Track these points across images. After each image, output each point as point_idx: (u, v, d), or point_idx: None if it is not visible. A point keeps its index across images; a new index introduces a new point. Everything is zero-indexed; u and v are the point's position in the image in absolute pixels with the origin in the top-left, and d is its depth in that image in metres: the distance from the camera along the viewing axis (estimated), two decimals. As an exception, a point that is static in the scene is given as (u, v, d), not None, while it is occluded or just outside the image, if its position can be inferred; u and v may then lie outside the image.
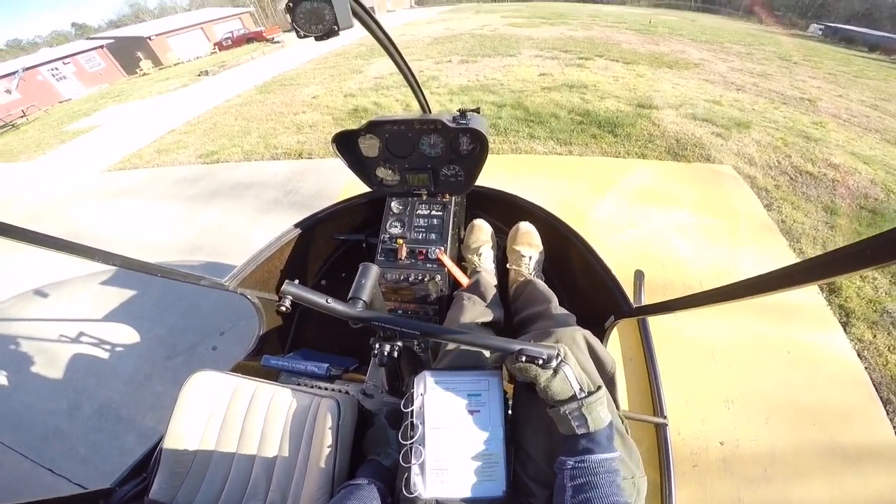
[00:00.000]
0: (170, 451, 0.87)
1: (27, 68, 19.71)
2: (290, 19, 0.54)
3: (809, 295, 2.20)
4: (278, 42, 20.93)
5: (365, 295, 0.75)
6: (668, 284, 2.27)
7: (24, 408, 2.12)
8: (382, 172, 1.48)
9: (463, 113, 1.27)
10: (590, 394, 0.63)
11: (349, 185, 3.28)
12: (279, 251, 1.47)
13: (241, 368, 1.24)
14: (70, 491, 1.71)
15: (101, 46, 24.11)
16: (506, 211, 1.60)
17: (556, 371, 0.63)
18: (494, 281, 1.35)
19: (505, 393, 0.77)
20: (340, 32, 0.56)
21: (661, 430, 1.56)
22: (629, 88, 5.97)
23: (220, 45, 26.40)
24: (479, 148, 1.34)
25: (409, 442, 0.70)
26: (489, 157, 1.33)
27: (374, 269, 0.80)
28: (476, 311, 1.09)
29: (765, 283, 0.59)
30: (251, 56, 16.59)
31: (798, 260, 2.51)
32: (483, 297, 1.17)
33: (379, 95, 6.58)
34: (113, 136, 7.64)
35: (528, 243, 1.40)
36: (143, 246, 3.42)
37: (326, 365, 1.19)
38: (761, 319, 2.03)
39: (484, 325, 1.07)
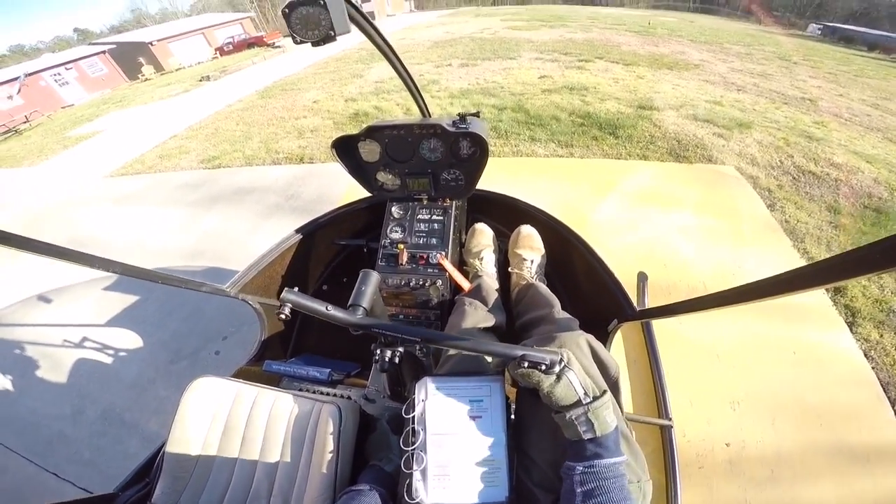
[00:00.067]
0: (172, 456, 0.87)
1: (30, 74, 19.86)
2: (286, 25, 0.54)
3: (814, 294, 2.18)
4: (279, 47, 21.07)
5: (365, 302, 0.75)
6: (672, 286, 2.26)
7: (29, 412, 2.12)
8: (383, 177, 1.48)
9: (463, 117, 1.27)
10: (595, 399, 0.63)
11: (350, 190, 3.29)
12: (280, 256, 1.46)
13: (244, 374, 1.24)
14: (74, 495, 1.71)
15: (104, 52, 24.29)
16: (507, 214, 1.59)
17: (559, 376, 0.63)
18: (496, 285, 1.34)
19: (507, 398, 0.76)
20: (337, 38, 0.55)
21: (666, 432, 1.55)
22: (630, 90, 5.98)
23: (221, 50, 26.57)
24: (479, 152, 1.34)
25: (410, 448, 0.70)
26: (490, 160, 1.33)
27: (375, 276, 0.79)
28: (478, 316, 1.09)
29: (771, 287, 0.58)
30: (252, 61, 16.69)
31: (802, 259, 2.50)
32: (485, 302, 1.17)
33: (380, 100, 6.60)
34: (115, 142, 7.68)
35: (530, 247, 1.40)
36: (145, 251, 3.44)
37: (328, 370, 1.18)
38: (766, 320, 2.01)
39: (486, 329, 1.07)
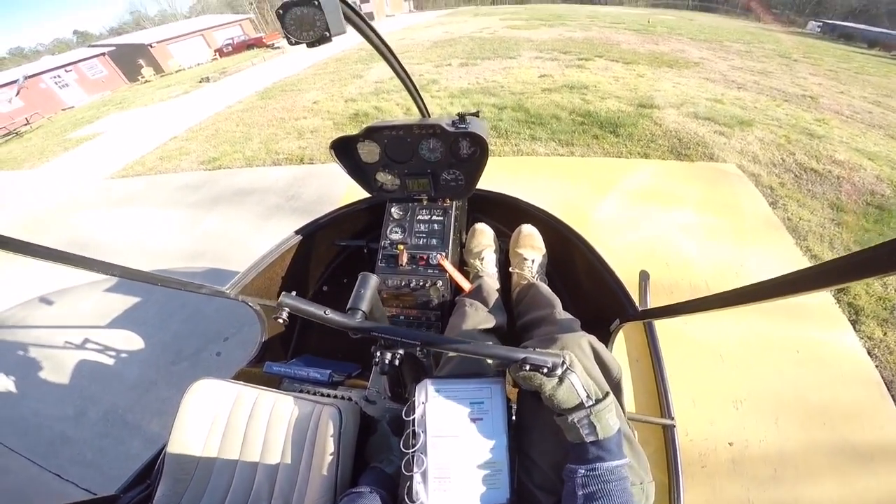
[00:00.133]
0: (173, 458, 0.87)
1: (29, 76, 19.89)
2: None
3: (818, 293, 2.17)
4: (278, 48, 21.06)
5: (364, 305, 0.74)
6: (674, 285, 2.25)
7: (32, 413, 2.13)
8: (382, 178, 1.47)
9: (462, 117, 1.27)
10: (598, 401, 0.62)
11: (351, 191, 3.28)
12: (280, 258, 1.46)
13: (244, 375, 1.24)
14: (77, 496, 1.71)
15: (103, 54, 24.32)
16: (508, 214, 1.59)
17: (561, 379, 0.62)
18: (497, 285, 1.34)
19: (508, 400, 0.76)
20: (333, 39, 0.55)
21: (668, 432, 1.55)
22: (630, 88, 5.96)
23: (220, 52, 26.57)
24: (479, 152, 1.33)
25: (410, 451, 0.70)
26: (490, 159, 1.32)
27: (373, 279, 0.79)
28: (478, 318, 1.08)
29: (775, 288, 0.57)
30: (252, 62, 16.70)
31: (805, 257, 2.50)
32: (485, 303, 1.16)
33: (379, 100, 6.60)
34: (116, 144, 7.69)
35: (531, 246, 1.39)
36: (146, 252, 3.44)
37: (329, 371, 1.18)
38: (769, 318, 2.01)
39: (486, 331, 1.06)
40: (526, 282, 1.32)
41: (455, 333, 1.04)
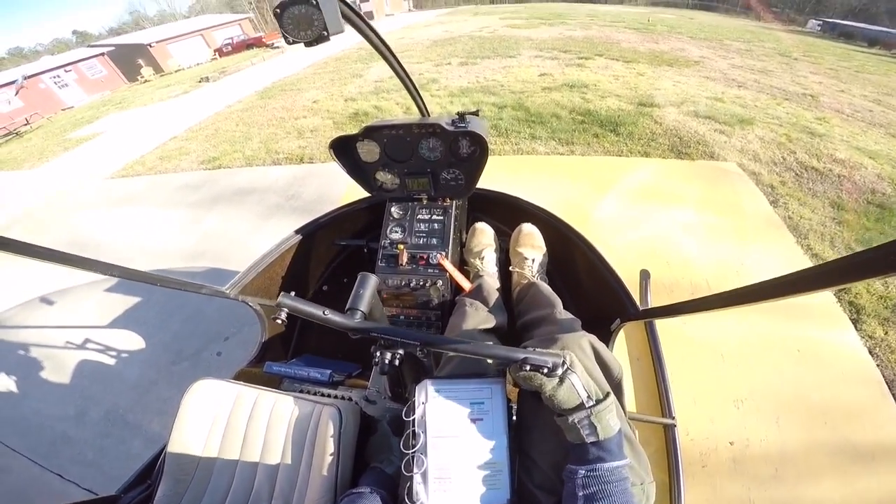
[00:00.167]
0: (173, 458, 0.87)
1: (29, 76, 19.88)
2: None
3: (819, 293, 2.17)
4: (278, 47, 21.06)
5: (363, 305, 0.74)
6: (675, 284, 2.25)
7: (33, 413, 2.13)
8: (382, 177, 1.47)
9: (462, 116, 1.26)
10: (598, 402, 0.62)
11: (351, 190, 3.28)
12: (280, 257, 1.46)
13: (244, 375, 1.24)
14: (78, 496, 1.71)
15: (103, 54, 24.32)
16: (508, 213, 1.59)
17: (561, 379, 0.62)
18: (497, 284, 1.33)
19: (509, 400, 0.76)
20: (331, 38, 0.54)
21: (669, 431, 1.54)
22: (630, 87, 5.95)
23: (220, 52, 26.55)
24: (479, 151, 1.33)
25: (411, 451, 0.69)
26: (490, 158, 1.32)
27: (373, 279, 0.79)
28: (479, 317, 1.08)
29: (777, 288, 0.57)
30: (251, 62, 16.67)
31: (806, 255, 2.49)
32: (486, 302, 1.16)
33: (379, 99, 6.59)
34: (115, 144, 7.69)
35: (531, 245, 1.39)
36: (146, 252, 3.44)
37: (329, 371, 1.18)
38: (770, 317, 2.00)
39: (487, 330, 1.06)
40: (526, 281, 1.31)
41: (455, 333, 1.04)
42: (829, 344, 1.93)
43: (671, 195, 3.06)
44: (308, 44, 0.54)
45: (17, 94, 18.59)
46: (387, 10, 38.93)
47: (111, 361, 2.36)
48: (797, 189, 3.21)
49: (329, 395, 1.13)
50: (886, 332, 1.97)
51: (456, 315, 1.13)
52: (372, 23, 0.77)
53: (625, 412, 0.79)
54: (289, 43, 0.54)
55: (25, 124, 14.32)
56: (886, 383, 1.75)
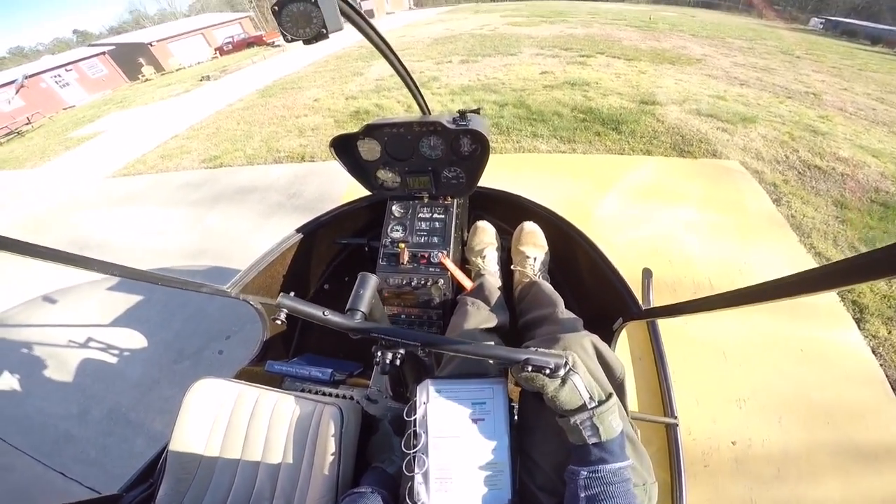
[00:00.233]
0: (175, 458, 0.87)
1: (30, 76, 19.89)
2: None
3: (822, 294, 2.16)
4: (279, 46, 21.03)
5: (363, 305, 0.74)
6: (677, 282, 2.24)
7: (36, 412, 2.14)
8: (383, 175, 1.46)
9: (463, 114, 1.25)
10: (600, 403, 0.61)
11: (352, 188, 3.28)
12: (281, 256, 1.46)
13: (246, 374, 1.24)
14: (81, 494, 1.72)
15: (103, 53, 24.33)
16: (509, 211, 1.58)
17: (564, 380, 0.61)
18: (499, 283, 1.33)
19: (510, 400, 0.75)
20: (330, 35, 0.54)
21: (671, 431, 1.54)
22: (632, 85, 5.93)
23: (220, 50, 26.54)
24: (480, 149, 1.32)
25: (412, 451, 0.69)
26: (491, 156, 1.31)
27: (373, 279, 0.78)
28: (480, 317, 1.07)
29: (781, 289, 0.56)
30: (252, 60, 16.67)
31: (809, 254, 2.48)
32: (487, 302, 1.15)
33: (380, 97, 6.58)
34: (117, 142, 7.70)
35: (533, 244, 1.38)
36: (148, 251, 3.44)
37: (330, 370, 1.18)
38: (773, 317, 2.00)
39: (489, 330, 1.05)
40: (528, 280, 1.31)
41: (457, 333, 1.04)
42: (833, 343, 1.92)
43: (673, 193, 3.05)
44: (307, 41, 0.54)
45: (17, 93, 18.60)
46: (387, 7, 38.88)
47: (113, 360, 2.37)
48: (800, 187, 3.19)
49: (330, 395, 1.13)
50: (890, 332, 1.96)
51: (457, 314, 1.12)
52: (373, 21, 0.77)
53: (627, 412, 0.78)
54: (288, 41, 0.54)
55: (27, 123, 14.34)
56: (890, 383, 1.74)
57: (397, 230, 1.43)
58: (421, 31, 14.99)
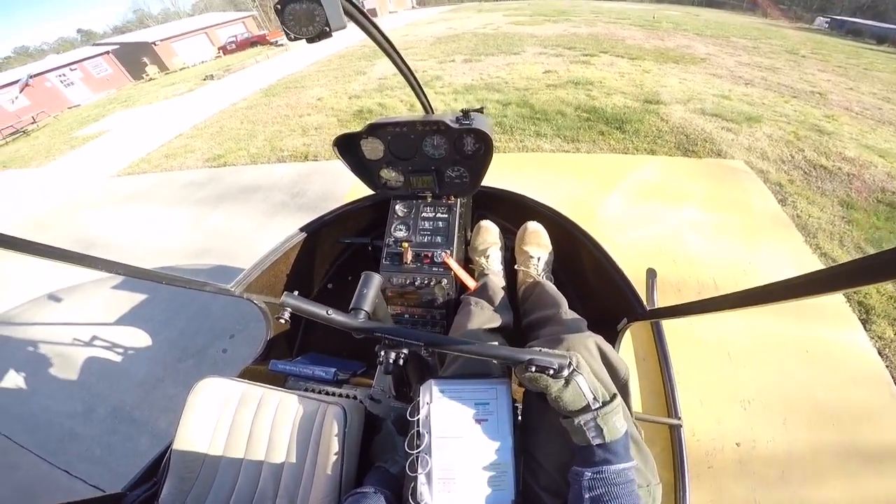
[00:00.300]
0: (178, 456, 0.88)
1: (35, 75, 20.02)
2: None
3: (828, 296, 2.14)
4: (282, 45, 21.07)
5: (367, 305, 0.74)
6: (682, 282, 2.23)
7: (42, 410, 2.15)
8: (386, 174, 1.46)
9: (466, 113, 1.25)
10: (605, 404, 0.61)
11: (355, 188, 3.28)
12: (285, 255, 1.46)
13: (249, 373, 1.24)
14: (85, 492, 1.73)
15: (108, 52, 24.45)
16: (513, 211, 1.58)
17: (567, 381, 0.61)
18: (502, 283, 1.32)
19: (514, 401, 0.75)
20: (333, 34, 0.54)
21: (675, 432, 1.53)
22: (636, 84, 5.90)
23: (224, 50, 26.66)
24: (483, 148, 1.32)
25: (415, 451, 0.69)
26: (495, 155, 1.31)
27: (376, 278, 0.78)
28: (484, 317, 1.07)
29: (787, 290, 0.56)
30: (255, 59, 16.71)
31: (814, 255, 2.46)
32: (491, 301, 1.15)
33: (383, 96, 6.58)
34: (121, 141, 7.74)
35: (537, 243, 1.38)
36: (152, 250, 3.46)
37: (334, 369, 1.18)
38: (779, 317, 1.98)
39: (492, 330, 1.05)
40: (531, 280, 1.31)
41: (460, 332, 1.04)
42: (838, 344, 1.91)
43: (678, 193, 3.04)
44: (310, 40, 0.54)
45: (22, 92, 18.73)
46: (390, 6, 38.88)
47: (118, 358, 2.38)
48: (805, 187, 3.17)
49: (334, 394, 1.13)
50: (896, 333, 1.95)
51: (461, 314, 1.12)
52: (375, 19, 0.76)
53: (631, 413, 0.78)
54: (290, 39, 0.54)
55: (32, 122, 14.45)
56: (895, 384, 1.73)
57: (401, 229, 1.43)
58: (424, 30, 14.99)
